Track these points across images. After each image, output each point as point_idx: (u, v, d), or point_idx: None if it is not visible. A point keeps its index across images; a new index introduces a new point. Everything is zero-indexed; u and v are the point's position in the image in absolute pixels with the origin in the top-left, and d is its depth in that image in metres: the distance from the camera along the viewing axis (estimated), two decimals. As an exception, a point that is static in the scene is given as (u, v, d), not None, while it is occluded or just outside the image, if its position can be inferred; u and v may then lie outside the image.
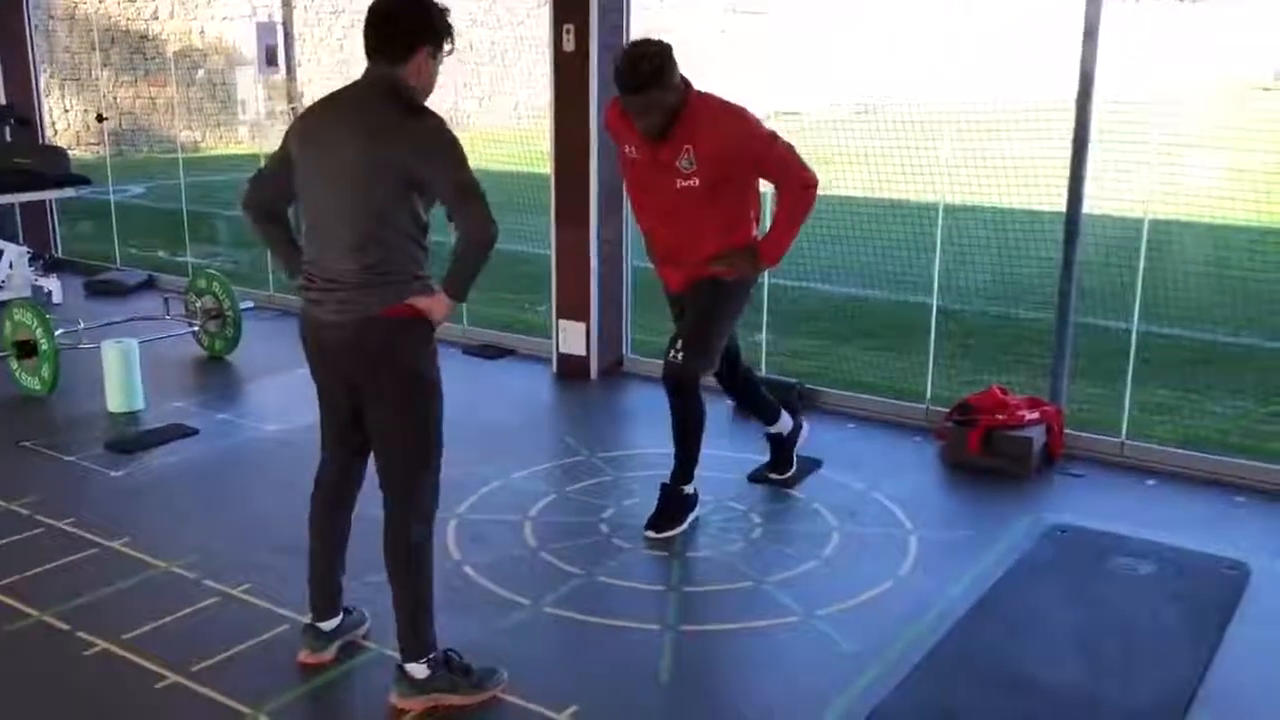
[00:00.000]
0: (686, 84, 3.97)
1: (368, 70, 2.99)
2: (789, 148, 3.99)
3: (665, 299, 4.45)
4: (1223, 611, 3.71)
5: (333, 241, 3.00)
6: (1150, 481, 4.82)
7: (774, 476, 4.74)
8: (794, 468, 4.76)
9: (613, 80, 3.96)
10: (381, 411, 3.09)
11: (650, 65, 3.82)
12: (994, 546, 4.18)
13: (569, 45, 5.87)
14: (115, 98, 17.20)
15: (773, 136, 4.01)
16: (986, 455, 4.88)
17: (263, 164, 3.22)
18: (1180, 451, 4.98)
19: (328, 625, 3.39)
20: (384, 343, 3.01)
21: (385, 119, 2.92)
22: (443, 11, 2.99)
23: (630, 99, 3.88)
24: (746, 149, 3.96)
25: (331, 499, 3.34)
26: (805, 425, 4.82)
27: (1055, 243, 5.23)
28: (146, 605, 3.71)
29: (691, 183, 3.95)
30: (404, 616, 3.17)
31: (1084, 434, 5.13)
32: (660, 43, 3.92)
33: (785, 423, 4.69)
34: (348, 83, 3.06)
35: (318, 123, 3.04)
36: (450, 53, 3.02)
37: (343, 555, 3.39)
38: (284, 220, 3.26)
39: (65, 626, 3.58)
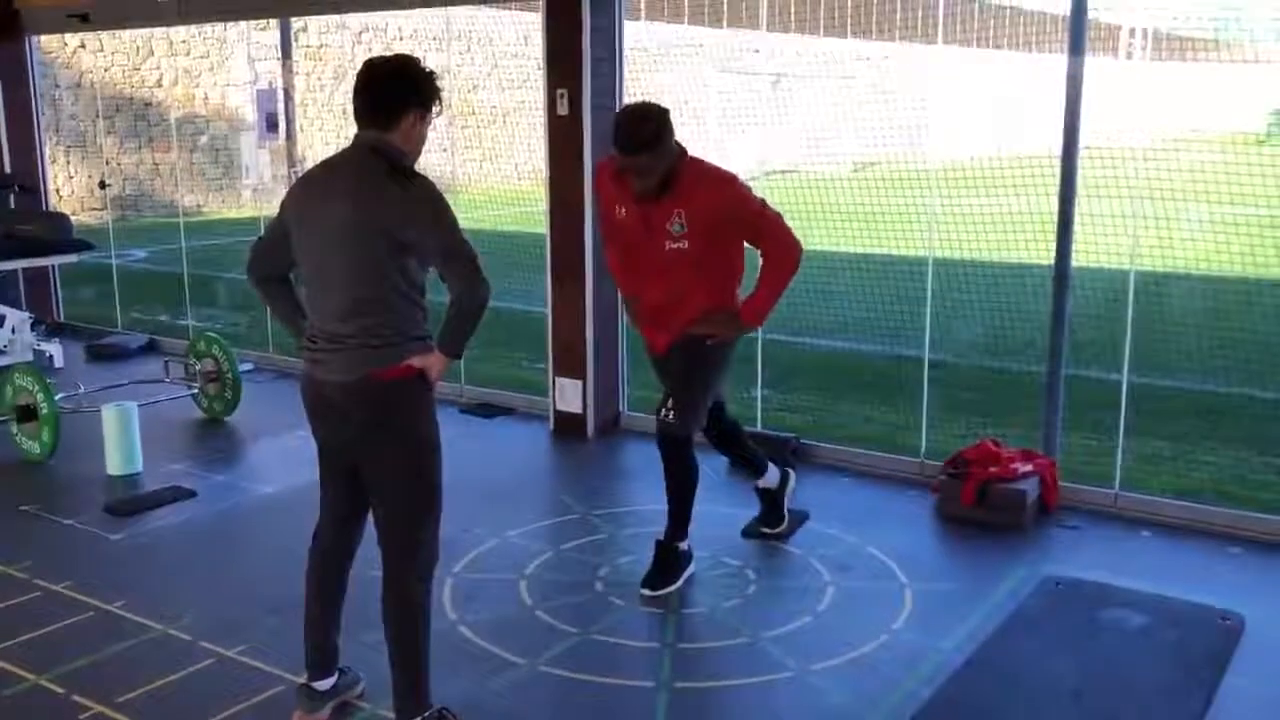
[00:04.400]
0: (681, 149, 4.04)
1: (357, 136, 3.07)
2: (777, 216, 4.07)
3: (650, 359, 4.46)
4: (1217, 663, 3.71)
5: (330, 304, 3.06)
6: (1145, 533, 4.84)
7: (766, 530, 4.76)
8: (785, 521, 4.78)
9: (612, 142, 4.01)
10: (381, 470, 3.13)
11: (650, 128, 3.89)
12: (988, 599, 4.19)
13: (563, 109, 5.99)
14: (120, 164, 17.42)
15: (762, 204, 4.08)
16: (980, 508, 4.90)
17: (263, 229, 3.29)
18: (1174, 502, 5.00)
19: (322, 685, 3.39)
20: (383, 402, 3.06)
21: (374, 184, 2.99)
22: (430, 75, 3.07)
23: (629, 160, 3.94)
24: (736, 214, 4.03)
25: (329, 557, 3.36)
26: (793, 476, 4.85)
27: (1046, 295, 5.29)
28: (143, 668, 3.72)
29: (681, 245, 4.01)
30: (400, 675, 3.18)
31: (1078, 486, 5.15)
32: (659, 106, 3.99)
33: (773, 475, 4.72)
34: (339, 149, 3.14)
35: (310, 190, 3.12)
36: (439, 114, 3.09)
37: (339, 613, 3.40)
38: (287, 285, 3.32)
39: (61, 690, 3.59)
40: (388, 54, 3.08)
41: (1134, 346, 5.19)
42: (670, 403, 4.22)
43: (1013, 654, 3.79)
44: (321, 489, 3.34)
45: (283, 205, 3.18)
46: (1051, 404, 5.32)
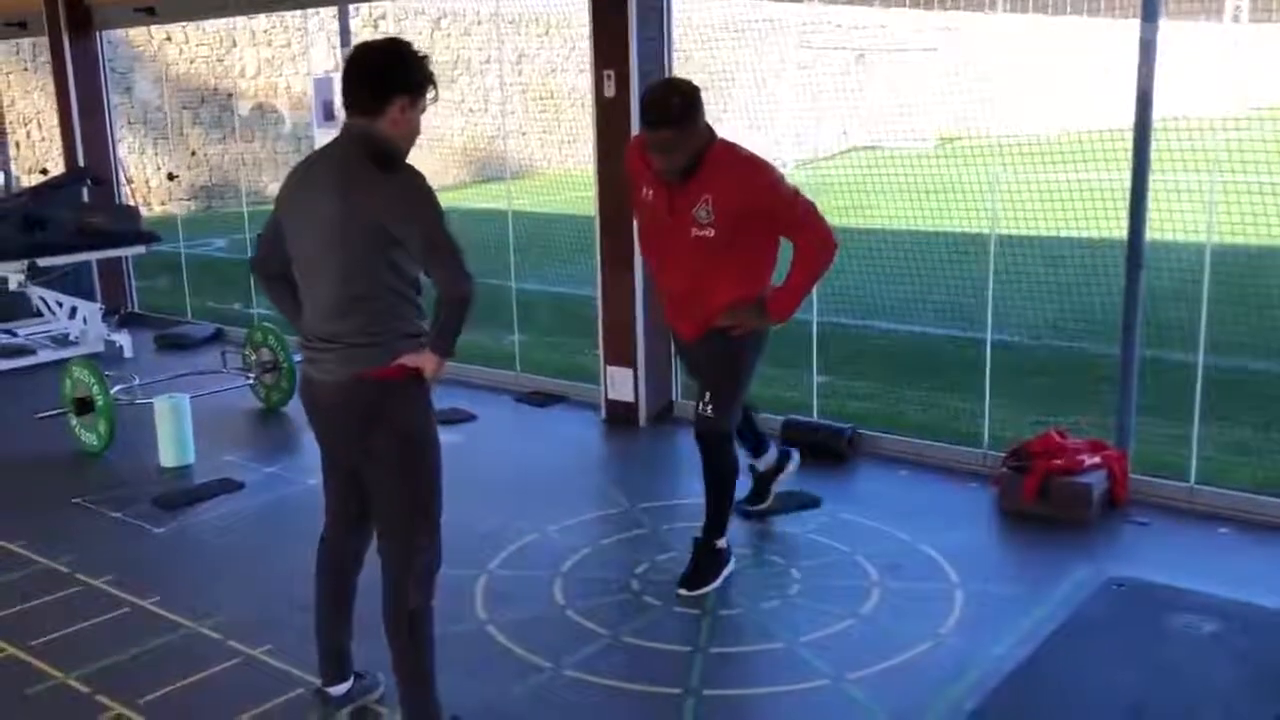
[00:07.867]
0: (711, 131, 3.84)
1: (345, 125, 2.94)
2: (810, 206, 3.85)
3: (677, 348, 4.35)
4: (1294, 675, 3.42)
5: (321, 301, 2.96)
6: (1222, 530, 4.52)
7: (748, 508, 4.66)
8: (767, 501, 4.70)
9: (639, 116, 3.85)
10: (377, 471, 3.03)
11: (679, 102, 3.68)
12: (1045, 602, 3.94)
13: (610, 91, 5.82)
14: (205, 154, 17.73)
15: (794, 194, 3.86)
16: (1043, 503, 4.63)
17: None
18: (1256, 497, 4.65)
19: (337, 691, 3.31)
20: (376, 402, 2.96)
21: (359, 175, 2.86)
22: (421, 61, 2.91)
23: (655, 135, 3.73)
24: (765, 203, 3.81)
25: (336, 560, 3.28)
26: (794, 460, 4.75)
27: (1119, 272, 4.97)
28: (168, 667, 3.69)
29: (707, 233, 3.81)
30: (404, 683, 3.09)
31: (1151, 478, 4.84)
32: (690, 83, 3.81)
33: (770, 457, 4.66)
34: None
35: (298, 182, 3.01)
36: (434, 100, 2.94)
37: (349, 617, 3.31)
38: (290, 280, 3.21)
39: (85, 690, 3.57)
40: (380, 37, 2.95)
41: (1211, 327, 4.85)
42: (708, 397, 4.06)
43: (1067, 662, 3.55)
44: (325, 490, 3.25)
45: (277, 199, 3.07)
46: (1125, 388, 5.00)
